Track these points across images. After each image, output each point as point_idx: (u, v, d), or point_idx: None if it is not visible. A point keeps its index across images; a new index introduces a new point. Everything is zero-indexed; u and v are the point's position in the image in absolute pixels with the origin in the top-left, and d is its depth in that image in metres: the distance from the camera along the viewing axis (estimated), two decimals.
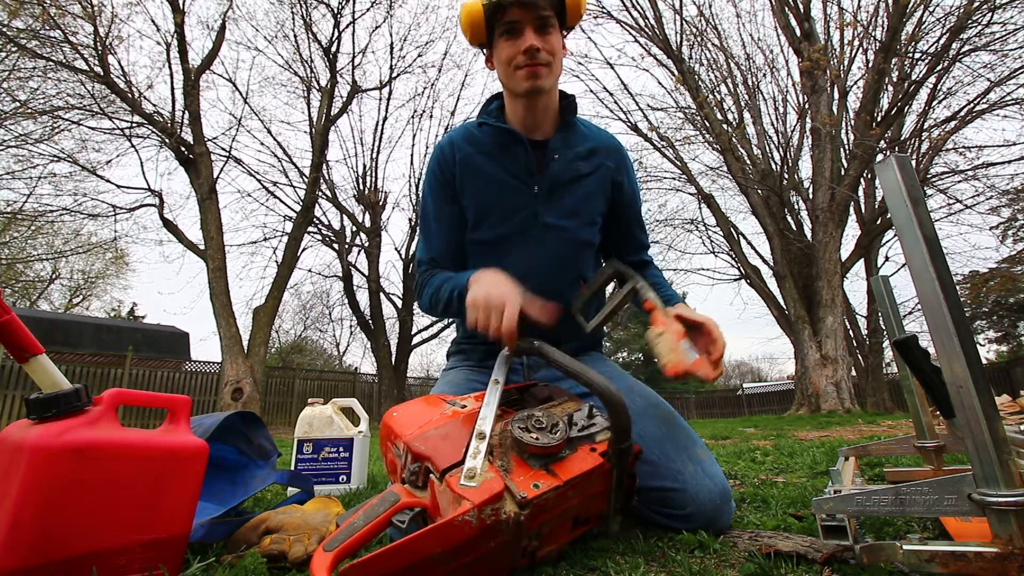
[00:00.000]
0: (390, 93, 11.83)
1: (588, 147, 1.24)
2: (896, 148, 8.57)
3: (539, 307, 1.01)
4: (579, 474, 0.75)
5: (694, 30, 9.54)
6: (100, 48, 7.78)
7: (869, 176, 10.13)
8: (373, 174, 12.19)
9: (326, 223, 11.79)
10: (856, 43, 8.05)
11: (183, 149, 8.30)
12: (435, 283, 1.19)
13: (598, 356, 1.35)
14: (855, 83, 8.43)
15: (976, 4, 6.93)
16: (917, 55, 7.57)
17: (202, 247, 8.27)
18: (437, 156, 1.28)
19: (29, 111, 8.18)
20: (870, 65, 7.63)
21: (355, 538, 0.68)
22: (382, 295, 12.11)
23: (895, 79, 7.88)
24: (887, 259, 11.95)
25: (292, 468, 1.90)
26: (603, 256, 1.34)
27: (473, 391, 1.02)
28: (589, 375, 0.79)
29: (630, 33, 10.02)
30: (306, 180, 9.77)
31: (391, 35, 11.85)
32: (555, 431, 0.79)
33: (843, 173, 7.86)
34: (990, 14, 7.00)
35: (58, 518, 0.65)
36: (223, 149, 9.44)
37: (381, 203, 12.09)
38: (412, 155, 12.53)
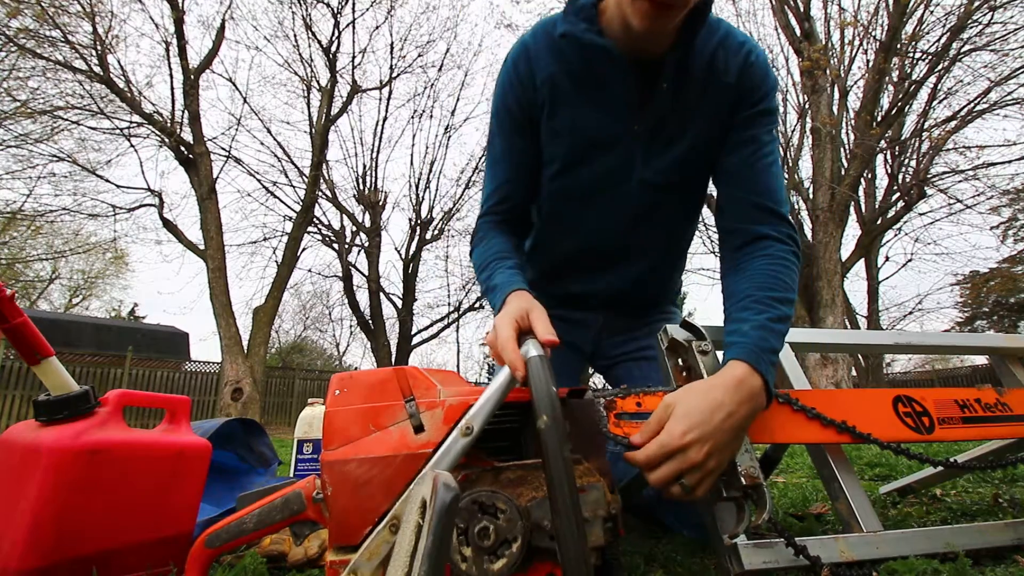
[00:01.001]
0: (390, 93, 11.82)
1: (706, 64, 0.88)
2: (896, 147, 8.57)
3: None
4: None
5: None
6: (99, 47, 7.78)
7: (869, 176, 10.13)
8: (373, 174, 12.19)
9: (326, 223, 11.79)
10: (856, 43, 8.06)
11: (183, 149, 8.30)
12: (481, 255, 0.99)
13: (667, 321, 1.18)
14: (855, 83, 8.44)
15: (976, 4, 6.93)
16: (917, 55, 7.58)
17: (202, 247, 8.27)
18: (508, 73, 0.96)
19: (29, 111, 8.17)
20: (870, 65, 7.63)
21: (240, 540, 0.64)
22: (382, 295, 12.11)
23: (895, 79, 7.87)
24: (887, 259, 11.96)
25: (292, 468, 1.90)
26: (716, 209, 0.96)
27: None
28: (566, 530, 0.50)
29: None
30: (306, 180, 9.76)
31: (391, 35, 11.79)
32: (500, 555, 0.55)
33: (843, 173, 7.86)
34: (990, 14, 7.00)
35: (75, 518, 0.67)
36: (223, 149, 9.43)
37: (381, 203, 12.08)
38: (412, 155, 12.55)
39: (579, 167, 0.96)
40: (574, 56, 0.90)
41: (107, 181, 9.25)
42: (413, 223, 12.74)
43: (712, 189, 1.02)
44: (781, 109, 9.30)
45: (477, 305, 13.00)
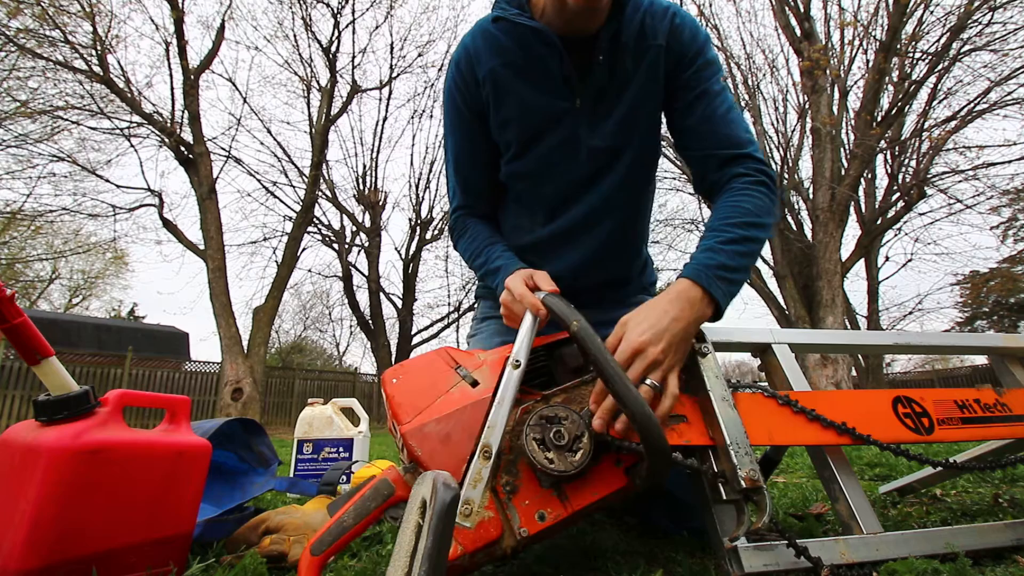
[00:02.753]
0: (390, 93, 11.86)
1: (636, 32, 0.94)
2: (896, 147, 8.57)
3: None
4: (596, 500, 0.66)
5: None
6: (99, 47, 7.77)
7: (869, 176, 10.12)
8: (373, 174, 12.19)
9: (326, 223, 11.79)
10: (856, 43, 8.05)
11: (183, 149, 8.29)
12: (469, 246, 1.07)
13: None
14: (855, 83, 8.43)
15: (976, 4, 6.93)
16: (917, 55, 7.57)
17: (202, 247, 8.26)
18: (452, 75, 1.03)
19: (29, 111, 8.17)
20: (870, 65, 7.62)
21: (344, 539, 0.66)
22: (382, 295, 12.11)
23: (895, 79, 7.86)
24: (887, 259, 11.95)
25: (292, 467, 1.90)
26: (692, 174, 1.01)
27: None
28: (624, 390, 0.62)
29: None
30: (306, 180, 9.76)
31: (391, 35, 11.90)
32: (576, 448, 0.66)
33: (843, 173, 7.85)
34: (990, 14, 6.99)
35: (74, 518, 0.67)
36: (223, 149, 9.44)
37: (381, 203, 12.08)
38: (412, 155, 12.53)
39: (531, 148, 1.00)
40: (510, 43, 0.95)
41: (107, 181, 9.26)
42: (413, 223, 12.74)
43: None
44: (781, 108, 9.31)
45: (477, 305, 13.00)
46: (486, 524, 0.62)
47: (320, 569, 0.64)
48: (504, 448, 0.67)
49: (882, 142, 8.02)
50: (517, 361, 0.70)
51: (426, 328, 13.32)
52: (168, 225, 8.75)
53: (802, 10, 8.14)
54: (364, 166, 12.16)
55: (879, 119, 7.63)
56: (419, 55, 11.75)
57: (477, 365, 0.76)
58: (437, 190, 12.64)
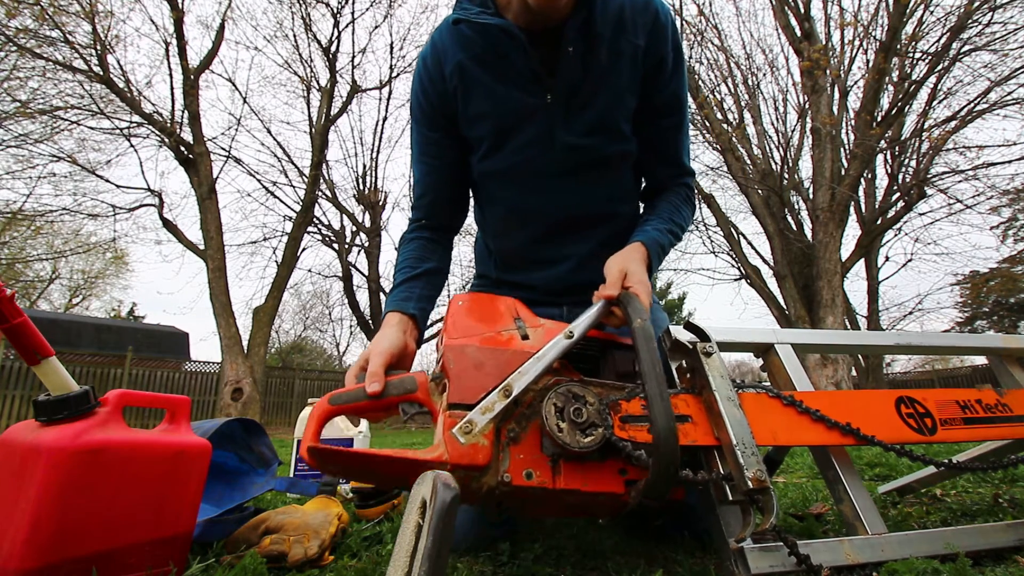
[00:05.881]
0: (390, 93, 11.84)
1: (613, 23, 0.90)
2: (896, 147, 8.56)
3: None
4: (581, 490, 0.66)
5: (694, 30, 9.52)
6: (99, 47, 7.77)
7: (869, 176, 10.12)
8: (373, 174, 12.18)
9: (326, 223, 11.78)
10: (856, 43, 8.05)
11: (183, 149, 8.29)
12: (398, 262, 1.07)
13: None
14: (855, 83, 8.42)
15: (976, 4, 6.92)
16: (917, 55, 7.56)
17: (202, 247, 8.26)
18: (419, 70, 1.01)
19: (29, 111, 8.16)
20: (870, 65, 7.61)
21: (358, 405, 0.72)
22: (382, 295, 12.10)
23: (895, 79, 7.86)
24: (887, 259, 11.94)
25: (292, 467, 1.90)
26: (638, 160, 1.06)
27: None
28: (656, 394, 0.63)
29: None
30: (306, 180, 9.76)
31: (391, 35, 11.91)
32: (587, 434, 0.66)
33: (843, 173, 7.85)
34: (990, 14, 6.99)
35: (74, 518, 0.67)
36: (223, 149, 9.43)
37: (381, 203, 12.08)
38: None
39: (504, 144, 0.98)
40: (475, 39, 0.93)
41: (107, 181, 9.24)
42: None
43: None
44: (781, 108, 9.32)
45: None
46: (477, 447, 0.64)
47: (329, 417, 0.71)
48: (524, 402, 0.69)
49: (882, 142, 8.02)
50: (571, 333, 0.74)
51: (426, 328, 13.31)
52: (168, 225, 8.74)
53: (802, 10, 8.14)
54: (364, 166, 12.17)
55: (879, 119, 7.63)
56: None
57: (535, 325, 0.80)
58: None
